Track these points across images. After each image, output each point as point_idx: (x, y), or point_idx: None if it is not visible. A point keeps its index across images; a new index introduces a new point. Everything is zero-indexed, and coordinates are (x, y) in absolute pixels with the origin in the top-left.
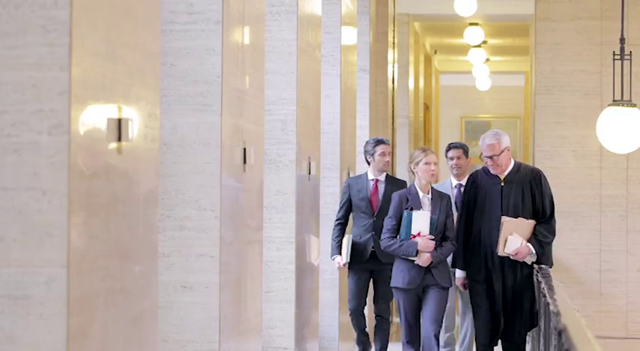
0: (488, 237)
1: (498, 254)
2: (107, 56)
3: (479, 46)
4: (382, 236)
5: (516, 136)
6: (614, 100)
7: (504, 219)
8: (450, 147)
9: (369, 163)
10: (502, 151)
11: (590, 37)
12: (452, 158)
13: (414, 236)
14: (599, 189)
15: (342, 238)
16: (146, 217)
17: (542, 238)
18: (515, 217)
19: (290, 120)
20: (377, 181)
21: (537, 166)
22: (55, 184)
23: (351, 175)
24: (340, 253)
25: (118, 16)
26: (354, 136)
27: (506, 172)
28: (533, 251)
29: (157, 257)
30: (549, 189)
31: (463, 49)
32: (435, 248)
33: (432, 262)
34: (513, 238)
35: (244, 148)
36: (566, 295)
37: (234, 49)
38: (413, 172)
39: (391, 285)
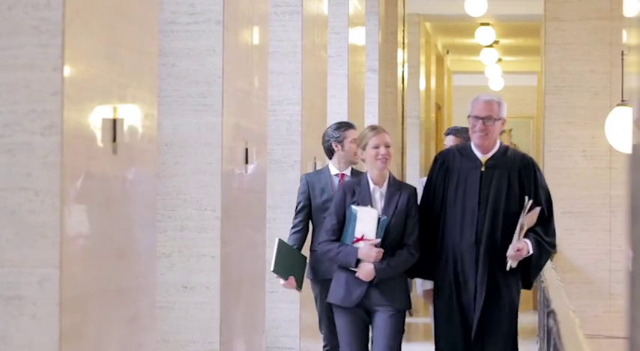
0: (460, 236)
1: (514, 249)
2: (102, 57)
3: (491, 46)
4: (319, 239)
5: (529, 136)
6: (622, 100)
7: (527, 199)
8: (448, 132)
9: (331, 154)
10: (499, 119)
11: (599, 37)
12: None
13: (358, 240)
14: (608, 189)
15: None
16: (143, 218)
17: (542, 239)
18: (496, 211)
19: (295, 120)
20: (343, 176)
21: (547, 166)
22: (47, 185)
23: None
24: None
25: (113, 17)
26: None
27: (489, 154)
28: (531, 250)
29: (155, 257)
30: (545, 183)
31: (475, 49)
32: (384, 258)
33: (375, 277)
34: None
35: (246, 148)
36: (564, 294)
37: (236, 50)
38: (362, 159)
39: (327, 300)
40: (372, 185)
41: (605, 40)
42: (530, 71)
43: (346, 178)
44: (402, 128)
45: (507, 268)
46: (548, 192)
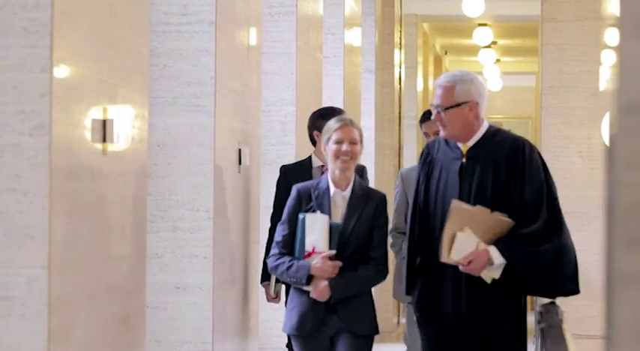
0: (438, 243)
1: (441, 260)
2: (91, 57)
3: (489, 46)
4: (271, 252)
5: (528, 136)
6: None
7: (455, 203)
8: (424, 118)
9: (314, 144)
10: (456, 105)
11: (596, 37)
12: (426, 134)
13: (309, 254)
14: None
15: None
16: (133, 218)
17: (520, 242)
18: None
19: (289, 121)
20: (325, 168)
21: None
22: (36, 185)
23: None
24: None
25: (103, 18)
26: None
27: (471, 141)
28: (496, 261)
29: (145, 258)
30: (540, 172)
31: (473, 50)
32: (342, 274)
33: (332, 296)
34: (465, 236)
35: (239, 149)
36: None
37: (229, 50)
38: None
39: (282, 329)
40: (332, 188)
41: (601, 40)
42: (528, 72)
43: None
44: (399, 129)
45: (488, 282)
46: (542, 182)
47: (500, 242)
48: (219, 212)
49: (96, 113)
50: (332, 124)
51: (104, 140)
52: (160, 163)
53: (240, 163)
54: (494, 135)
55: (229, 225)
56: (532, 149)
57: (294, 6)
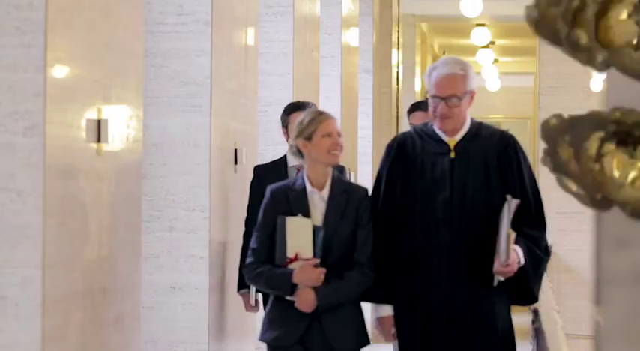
0: (426, 241)
1: (502, 264)
2: (85, 57)
3: (487, 46)
4: (247, 260)
5: (526, 136)
6: None
7: (510, 199)
8: (414, 107)
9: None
10: (466, 93)
11: None
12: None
13: (291, 260)
14: None
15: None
16: (128, 218)
17: (533, 244)
18: (475, 207)
19: None
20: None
21: (542, 167)
22: (30, 185)
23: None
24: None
25: (97, 18)
26: (356, 137)
27: (458, 136)
28: (522, 262)
29: (140, 258)
30: (530, 167)
31: (472, 50)
32: (328, 281)
33: (318, 306)
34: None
35: (235, 149)
36: (551, 294)
37: (225, 50)
38: (300, 153)
39: (259, 338)
40: (309, 187)
41: None
42: (526, 72)
43: None
44: (397, 129)
45: (495, 283)
46: (534, 178)
47: (523, 244)
48: (215, 212)
49: (90, 113)
50: (314, 116)
51: (99, 140)
52: (155, 163)
53: (236, 163)
54: (479, 128)
55: (225, 225)
56: (519, 144)
57: (291, 6)
